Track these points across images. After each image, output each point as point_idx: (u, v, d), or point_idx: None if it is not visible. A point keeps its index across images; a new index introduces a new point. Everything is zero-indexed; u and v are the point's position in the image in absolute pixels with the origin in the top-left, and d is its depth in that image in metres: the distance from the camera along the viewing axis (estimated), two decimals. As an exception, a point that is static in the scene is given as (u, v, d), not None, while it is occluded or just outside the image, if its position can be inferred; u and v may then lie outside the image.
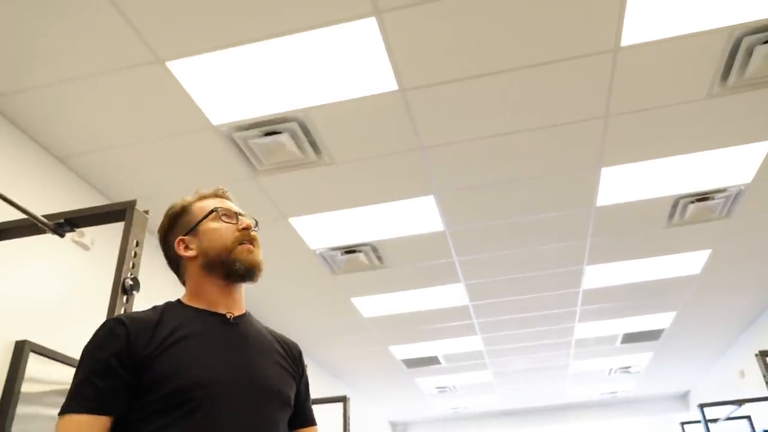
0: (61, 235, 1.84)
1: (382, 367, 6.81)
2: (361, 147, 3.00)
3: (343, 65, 2.48)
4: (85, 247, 2.98)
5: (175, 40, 2.30)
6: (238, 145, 2.92)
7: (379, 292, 4.67)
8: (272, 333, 1.34)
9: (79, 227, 1.88)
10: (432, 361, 6.72)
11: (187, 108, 2.65)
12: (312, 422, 1.36)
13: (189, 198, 1.35)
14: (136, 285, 1.60)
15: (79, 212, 1.85)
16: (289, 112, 2.72)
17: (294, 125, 2.80)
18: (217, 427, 1.06)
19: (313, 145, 2.94)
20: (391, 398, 8.47)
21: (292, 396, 1.26)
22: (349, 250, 4.03)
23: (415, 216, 3.67)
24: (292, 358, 1.31)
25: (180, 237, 1.28)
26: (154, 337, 1.12)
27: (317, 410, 4.29)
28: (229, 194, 1.39)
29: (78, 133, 2.76)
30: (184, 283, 1.30)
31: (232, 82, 2.52)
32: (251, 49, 2.36)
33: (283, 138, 2.87)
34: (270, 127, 2.81)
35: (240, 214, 1.32)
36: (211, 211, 1.29)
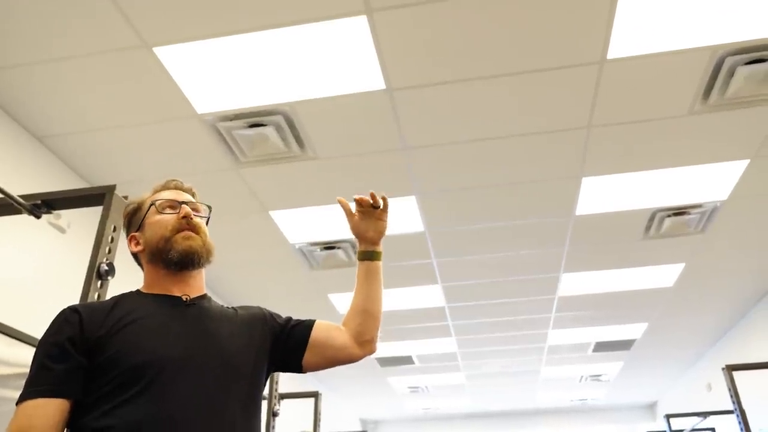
0: (37, 217, 1.81)
1: (356, 364, 6.77)
2: (346, 144, 3.00)
3: (331, 62, 2.48)
4: (61, 230, 2.94)
5: (164, 26, 2.28)
6: (222, 135, 2.91)
7: (356, 289, 4.67)
8: (234, 308, 1.33)
9: (56, 209, 1.86)
10: (406, 360, 6.74)
11: (173, 95, 2.63)
12: (311, 322, 1.35)
13: (145, 195, 1.36)
14: (111, 270, 1.58)
15: (57, 194, 1.83)
16: (275, 105, 2.72)
17: (279, 118, 2.79)
18: (172, 403, 1.06)
19: (298, 139, 2.94)
20: (363, 396, 8.48)
21: (262, 365, 1.26)
22: (328, 246, 4.03)
23: (396, 215, 3.68)
24: (259, 323, 1.30)
25: (132, 233, 1.32)
26: (107, 320, 1.13)
27: (288, 404, 4.29)
28: (183, 184, 1.37)
29: (59, 114, 2.73)
30: None
31: (219, 72, 2.51)
32: (241, 39, 2.35)
33: (268, 131, 2.86)
34: (255, 119, 2.80)
35: (184, 202, 1.31)
36: (151, 206, 1.30)
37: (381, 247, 1.44)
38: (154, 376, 1.07)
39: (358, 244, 1.45)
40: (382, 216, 1.42)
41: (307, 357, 1.32)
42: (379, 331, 1.40)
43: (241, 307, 1.35)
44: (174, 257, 1.23)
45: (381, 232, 1.43)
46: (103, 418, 1.04)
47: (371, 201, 1.40)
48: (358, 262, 1.44)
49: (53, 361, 1.07)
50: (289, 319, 1.36)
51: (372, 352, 1.39)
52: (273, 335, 1.31)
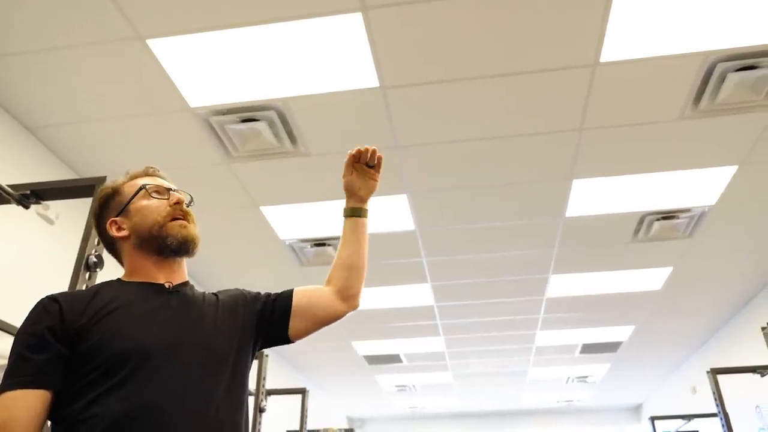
0: (26, 207, 1.81)
1: (344, 362, 6.82)
2: (338, 140, 3.00)
3: (326, 58, 2.48)
4: (50, 221, 2.92)
5: (158, 18, 2.27)
6: (214, 130, 2.90)
7: (345, 287, 4.67)
8: (215, 294, 1.32)
9: (45, 200, 1.85)
10: (394, 359, 6.75)
11: (165, 88, 2.62)
12: (290, 291, 1.37)
13: (120, 179, 1.33)
14: (100, 262, 1.58)
15: (46, 184, 1.83)
16: (268, 101, 2.71)
17: (272, 114, 2.79)
18: (157, 391, 1.05)
19: (290, 135, 2.93)
20: (351, 394, 8.48)
21: (247, 347, 1.25)
22: (319, 243, 4.03)
23: (387, 214, 3.68)
24: (241, 304, 1.30)
25: (111, 218, 1.27)
26: (88, 309, 1.11)
27: (276, 400, 4.27)
28: (161, 172, 1.36)
29: (50, 105, 2.70)
30: (122, 264, 1.30)
31: (213, 66, 2.50)
32: (236, 33, 2.34)
33: (260, 126, 2.85)
34: (248, 114, 2.79)
35: (172, 189, 1.30)
36: (140, 189, 1.28)
37: (368, 206, 1.48)
38: (138, 365, 1.06)
39: (346, 201, 1.48)
40: (375, 176, 1.47)
41: (293, 325, 1.33)
42: (362, 287, 1.42)
43: (221, 292, 1.34)
44: (173, 244, 1.23)
45: (371, 191, 1.48)
46: (88, 408, 1.03)
47: (369, 155, 1.44)
48: (344, 218, 1.46)
49: (32, 352, 1.06)
50: (268, 294, 1.37)
51: (355, 307, 1.41)
52: (257, 313, 1.31)
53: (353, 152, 1.45)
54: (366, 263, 1.43)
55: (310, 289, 1.39)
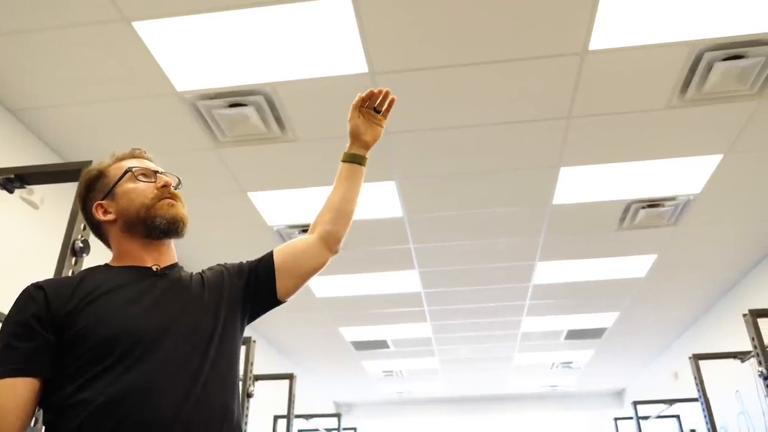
0: (10, 191, 1.78)
1: (331, 347, 6.84)
2: (327, 126, 2.99)
3: (315, 43, 2.46)
4: (34, 206, 2.88)
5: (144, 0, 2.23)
6: (201, 114, 2.87)
7: (333, 273, 4.68)
8: (201, 273, 1.30)
9: (29, 184, 1.83)
10: (381, 345, 6.79)
11: (152, 71, 2.58)
12: (270, 254, 1.36)
13: (106, 161, 1.31)
14: (86, 247, 1.57)
15: (31, 168, 1.81)
16: (257, 85, 2.69)
17: (260, 99, 2.76)
18: (144, 376, 1.05)
19: (278, 120, 2.92)
20: (338, 379, 8.53)
21: (235, 323, 1.25)
22: (307, 229, 4.01)
23: (375, 200, 3.68)
24: (226, 280, 1.29)
25: (98, 202, 1.25)
26: (74, 294, 1.11)
27: (264, 385, 4.27)
28: (147, 154, 1.34)
29: (34, 87, 2.66)
30: (109, 247, 1.28)
31: (200, 49, 2.47)
32: (223, 16, 2.31)
33: (248, 111, 2.83)
34: (236, 99, 2.77)
35: (159, 172, 1.28)
36: (126, 172, 1.25)
37: (368, 155, 1.48)
38: (126, 350, 1.06)
39: (348, 146, 1.47)
40: (381, 122, 1.47)
41: (281, 284, 1.33)
42: (346, 234, 1.43)
43: (205, 270, 1.32)
44: (161, 225, 1.21)
45: (375, 138, 1.47)
46: (77, 393, 1.03)
47: (380, 98, 1.44)
48: (342, 163, 1.46)
49: (19, 340, 1.05)
50: (249, 263, 1.36)
51: (336, 252, 1.42)
52: (242, 289, 1.30)
53: (363, 95, 1.43)
54: (354, 212, 1.43)
55: (289, 244, 1.39)
